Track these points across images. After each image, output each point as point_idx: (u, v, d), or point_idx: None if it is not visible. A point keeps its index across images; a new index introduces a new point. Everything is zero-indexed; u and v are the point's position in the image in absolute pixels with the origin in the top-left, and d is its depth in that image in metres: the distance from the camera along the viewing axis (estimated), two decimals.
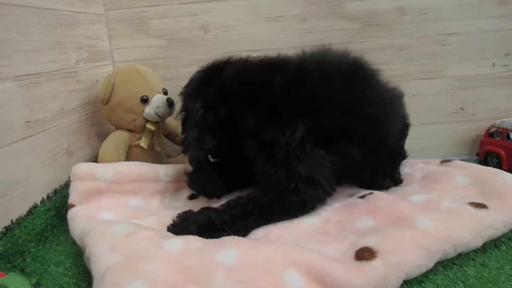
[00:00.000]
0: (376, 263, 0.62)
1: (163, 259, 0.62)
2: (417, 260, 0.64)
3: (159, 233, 0.72)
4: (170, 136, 1.28)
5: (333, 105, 0.85)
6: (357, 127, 0.86)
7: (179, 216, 0.82)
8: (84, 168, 0.92)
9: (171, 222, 0.81)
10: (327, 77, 0.86)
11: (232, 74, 0.92)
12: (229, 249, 0.64)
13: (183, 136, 0.94)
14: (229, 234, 0.75)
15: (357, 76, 0.90)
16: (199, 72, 1.00)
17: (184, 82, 1.47)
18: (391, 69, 1.40)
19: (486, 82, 1.42)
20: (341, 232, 0.76)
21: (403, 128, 1.06)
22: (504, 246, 0.76)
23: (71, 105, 1.10)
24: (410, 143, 1.39)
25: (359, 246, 0.66)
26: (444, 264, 0.70)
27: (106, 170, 0.94)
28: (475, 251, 0.73)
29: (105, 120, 1.21)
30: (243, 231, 0.79)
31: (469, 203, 0.78)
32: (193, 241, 0.69)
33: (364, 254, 0.64)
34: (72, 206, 0.87)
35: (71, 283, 0.72)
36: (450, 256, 0.69)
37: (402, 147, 1.10)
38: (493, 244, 0.76)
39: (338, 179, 0.88)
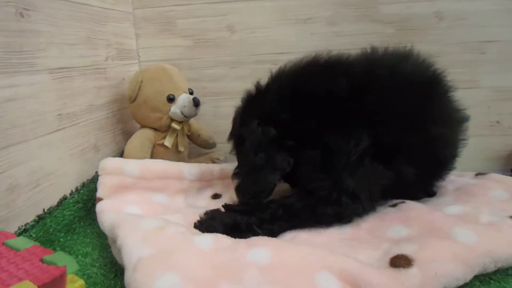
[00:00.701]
0: (413, 271, 0.64)
1: (194, 254, 0.67)
2: (456, 273, 0.65)
3: (189, 230, 0.79)
4: (193, 137, 1.36)
5: (401, 120, 0.84)
6: (420, 147, 0.86)
7: (206, 213, 0.89)
8: (111, 163, 1.01)
9: (198, 219, 0.87)
10: (399, 88, 0.86)
11: (290, 80, 0.93)
12: (259, 248, 0.68)
13: (237, 170, 0.96)
14: (255, 234, 0.78)
15: (431, 92, 0.90)
16: (248, 91, 0.99)
17: (208, 83, 1.59)
18: None
19: None
20: (373, 239, 0.79)
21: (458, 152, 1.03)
22: None
23: (99, 101, 1.20)
24: None
25: (394, 254, 0.68)
26: (480, 279, 0.70)
27: (133, 165, 1.03)
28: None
29: (130, 118, 1.31)
30: (269, 235, 0.82)
31: (510, 216, 0.79)
32: (223, 239, 0.74)
33: (400, 262, 0.65)
34: (100, 199, 0.95)
35: (98, 273, 0.79)
36: (489, 270, 0.70)
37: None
38: None
39: (383, 195, 0.90)
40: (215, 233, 0.78)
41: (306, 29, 1.44)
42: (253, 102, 0.96)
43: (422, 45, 1.37)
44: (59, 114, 1.00)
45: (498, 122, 1.46)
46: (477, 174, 1.09)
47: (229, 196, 1.08)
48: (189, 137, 1.36)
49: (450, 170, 1.04)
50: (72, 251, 0.88)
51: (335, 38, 1.44)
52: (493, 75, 1.42)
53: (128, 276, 0.63)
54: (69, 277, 0.49)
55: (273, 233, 0.83)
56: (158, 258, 0.66)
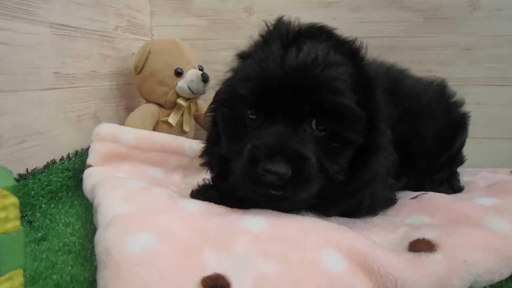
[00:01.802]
0: (436, 257, 0.54)
1: (179, 216, 0.59)
2: (489, 264, 0.55)
3: (178, 193, 0.70)
4: (200, 119, 1.28)
5: None
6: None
7: (204, 180, 0.77)
8: (106, 128, 0.93)
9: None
10: None
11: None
12: (256, 216, 0.60)
13: None
14: (255, 206, 0.66)
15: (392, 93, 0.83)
16: None
17: (221, 66, 1.47)
18: (452, 71, 1.32)
19: None
20: (388, 224, 0.70)
21: (449, 128, 0.96)
22: None
23: (104, 70, 1.13)
24: (468, 157, 1.31)
25: (414, 238, 0.59)
26: None
27: (128, 133, 0.94)
28: None
29: (137, 95, 1.23)
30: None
31: None
32: (215, 206, 0.66)
33: (421, 246, 0.56)
34: (90, 166, 0.87)
35: (76, 243, 0.71)
36: None
37: (456, 150, 1.02)
38: None
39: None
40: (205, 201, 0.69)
41: (328, 14, 1.35)
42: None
43: (454, 36, 1.31)
44: (56, 72, 0.93)
45: None
46: None
47: None
48: (196, 119, 1.28)
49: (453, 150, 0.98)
50: (54, 219, 0.80)
51: (359, 24, 1.35)
52: None
53: (98, 233, 0.56)
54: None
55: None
56: (136, 217, 0.58)
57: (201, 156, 0.77)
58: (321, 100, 0.58)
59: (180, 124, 1.18)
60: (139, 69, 1.15)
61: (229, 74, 0.72)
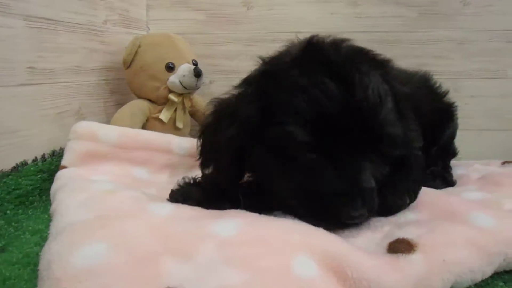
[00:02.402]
0: (415, 257, 0.43)
1: (142, 222, 0.44)
2: (471, 262, 0.44)
3: (148, 196, 0.52)
4: (197, 115, 1.03)
5: None
6: None
7: (184, 178, 0.58)
8: (84, 126, 0.69)
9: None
10: None
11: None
12: (229, 220, 0.45)
13: None
14: (236, 207, 0.51)
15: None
16: None
17: (221, 61, 1.23)
18: (448, 64, 1.12)
19: None
20: (374, 222, 0.55)
21: (436, 117, 0.79)
22: None
23: (90, 64, 0.88)
24: (463, 151, 1.10)
25: (395, 238, 0.47)
26: (504, 279, 0.48)
27: (109, 131, 0.71)
28: None
29: (129, 91, 0.98)
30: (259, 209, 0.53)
31: None
32: (185, 209, 0.50)
33: (399, 246, 0.45)
34: (64, 167, 0.65)
35: (39, 253, 0.49)
36: None
37: (447, 141, 0.84)
38: None
39: None
40: (176, 204, 0.52)
41: (326, 8, 1.12)
42: None
43: (447, 31, 1.11)
44: (31, 67, 0.69)
45: None
46: (504, 162, 0.90)
47: None
48: (192, 115, 1.03)
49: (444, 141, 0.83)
50: (20, 227, 0.58)
51: (357, 19, 1.12)
52: None
53: (45, 246, 0.41)
54: None
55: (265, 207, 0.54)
56: (92, 225, 0.44)
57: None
58: (382, 134, 0.48)
59: (173, 120, 0.94)
60: (128, 64, 0.90)
61: (251, 92, 0.52)
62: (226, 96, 0.56)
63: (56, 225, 0.45)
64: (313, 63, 0.48)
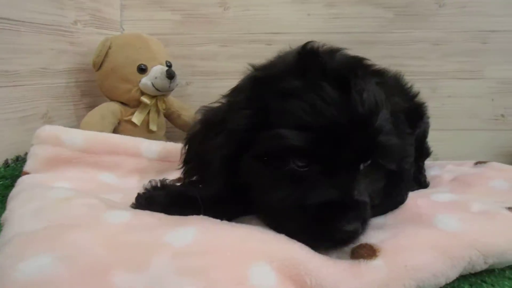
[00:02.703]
0: (376, 263, 0.42)
1: (95, 231, 0.42)
2: (433, 266, 0.43)
3: (106, 203, 0.49)
4: (172, 117, 1.01)
5: None
6: None
7: (151, 181, 0.56)
8: (48, 130, 0.66)
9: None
10: None
11: None
12: (186, 228, 0.42)
13: None
14: (199, 213, 0.48)
15: None
16: None
17: (198, 62, 1.19)
18: (425, 64, 1.13)
19: None
20: None
21: (409, 116, 0.75)
22: None
23: (59, 66, 0.85)
24: (441, 150, 1.11)
25: (358, 243, 0.46)
26: (471, 281, 0.48)
27: (75, 135, 0.68)
28: (510, 268, 0.51)
29: (101, 93, 0.94)
30: (224, 214, 0.51)
31: (506, 207, 0.58)
32: (143, 216, 0.47)
33: (362, 252, 0.44)
34: (26, 173, 0.62)
35: None
36: (478, 268, 0.47)
37: (419, 141, 0.81)
38: None
39: None
40: (135, 210, 0.50)
41: (303, 9, 1.11)
42: None
43: (423, 32, 1.11)
44: None
45: (502, 115, 1.15)
46: (476, 163, 0.88)
47: None
48: (168, 117, 1.01)
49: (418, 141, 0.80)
50: None
51: (333, 20, 1.12)
52: (497, 66, 1.13)
53: None
54: None
55: (229, 214, 0.52)
56: (39, 235, 0.41)
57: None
58: (379, 144, 0.47)
59: (147, 123, 0.91)
60: (98, 65, 0.87)
61: (242, 98, 0.49)
62: (215, 104, 0.54)
63: (4, 236, 0.42)
64: (308, 69, 0.47)
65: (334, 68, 0.46)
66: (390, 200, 0.55)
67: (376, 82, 0.49)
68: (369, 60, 0.54)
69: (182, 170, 0.56)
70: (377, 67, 0.55)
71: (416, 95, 0.81)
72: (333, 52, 0.51)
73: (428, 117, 0.82)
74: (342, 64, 0.48)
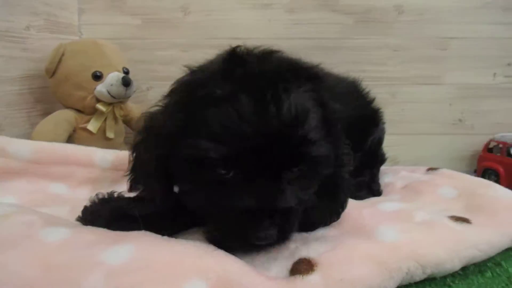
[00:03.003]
0: (313, 278, 0.44)
1: (29, 251, 0.43)
2: (370, 279, 0.46)
3: (47, 219, 0.50)
4: (132, 123, 1.04)
5: None
6: None
7: (97, 194, 0.58)
8: None
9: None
10: None
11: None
12: (123, 245, 0.44)
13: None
14: (140, 228, 0.51)
15: None
16: None
17: (158, 66, 1.22)
18: (385, 70, 1.20)
19: (487, 93, 1.22)
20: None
21: (361, 123, 0.80)
22: (489, 272, 0.56)
23: (11, 73, 0.87)
24: (400, 154, 1.20)
25: (298, 257, 0.49)
26: None
27: (22, 146, 0.70)
28: (453, 275, 0.54)
29: (57, 100, 0.97)
30: (167, 229, 0.53)
31: (449, 216, 0.61)
32: (84, 233, 0.48)
33: (299, 267, 0.46)
34: None
35: None
36: (417, 278, 0.50)
37: (373, 147, 0.86)
38: (477, 269, 0.57)
39: None
40: (77, 226, 0.51)
41: (264, 15, 1.17)
42: None
43: (383, 38, 1.19)
44: None
45: (460, 120, 1.25)
46: (428, 169, 0.91)
47: None
48: (127, 123, 1.04)
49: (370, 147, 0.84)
50: None
51: (294, 26, 1.18)
52: (455, 72, 1.22)
53: None
54: None
55: (172, 229, 0.54)
56: None
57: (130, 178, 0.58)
58: (301, 154, 0.48)
59: (104, 130, 0.94)
60: (51, 72, 0.90)
61: (173, 102, 0.52)
62: (155, 109, 0.55)
63: None
64: (231, 76, 0.48)
65: (258, 76, 0.47)
66: (327, 209, 0.58)
67: (307, 89, 0.50)
68: (306, 63, 0.55)
69: (128, 178, 0.58)
70: (315, 70, 0.56)
71: (372, 101, 0.84)
72: (264, 56, 0.51)
73: (384, 123, 0.85)
74: (270, 72, 0.48)
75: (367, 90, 0.85)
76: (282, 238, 0.49)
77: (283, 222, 0.48)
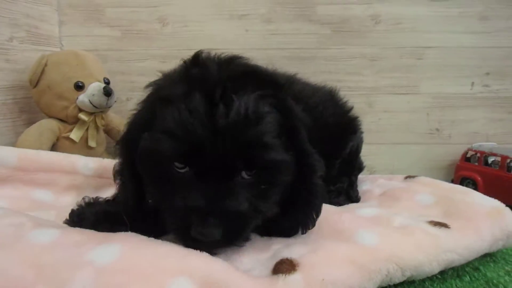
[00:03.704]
0: (294, 277, 0.51)
1: (18, 251, 0.50)
2: (350, 280, 0.52)
3: (36, 221, 0.60)
4: (112, 133, 1.19)
5: None
6: None
7: (84, 198, 0.70)
8: None
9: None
10: None
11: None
12: (110, 245, 0.51)
13: None
14: (127, 230, 0.59)
15: None
16: None
17: (137, 77, 1.36)
18: (361, 80, 1.33)
19: (464, 103, 1.34)
20: (266, 240, 0.65)
21: (339, 132, 0.90)
22: (468, 276, 0.64)
23: None
24: (377, 163, 1.32)
25: (280, 258, 0.56)
26: None
27: (8, 153, 0.83)
28: (431, 279, 0.62)
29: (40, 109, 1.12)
30: (153, 232, 0.63)
31: (427, 221, 0.68)
32: (71, 234, 0.55)
33: (282, 267, 0.53)
34: None
35: None
36: (397, 280, 0.57)
37: (351, 155, 0.95)
38: (455, 273, 0.65)
39: None
40: (65, 228, 0.60)
41: (241, 25, 1.32)
42: None
43: (360, 48, 1.33)
44: None
45: (437, 130, 1.37)
46: (406, 177, 1.00)
47: None
48: (108, 132, 1.18)
49: (347, 155, 0.92)
50: None
51: (271, 36, 1.32)
52: (431, 81, 1.34)
53: None
54: None
55: (157, 231, 0.62)
56: None
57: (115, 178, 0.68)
58: (252, 157, 0.54)
59: (86, 139, 1.09)
60: (34, 83, 1.04)
61: (142, 104, 0.62)
62: (133, 112, 0.65)
63: None
64: (188, 77, 0.56)
65: (213, 78, 0.54)
66: (302, 217, 0.64)
67: (265, 94, 0.56)
68: (267, 70, 0.64)
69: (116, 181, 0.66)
70: (277, 78, 0.64)
71: (349, 109, 0.93)
72: (226, 62, 0.58)
73: (361, 132, 0.96)
74: (225, 74, 0.55)
75: (344, 99, 0.95)
76: (228, 241, 0.56)
77: (231, 226, 0.54)
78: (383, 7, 1.31)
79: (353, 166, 0.96)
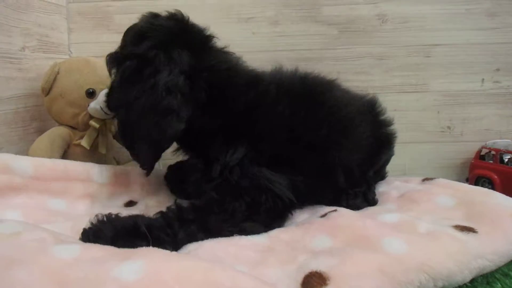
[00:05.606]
0: None
1: (43, 267, 0.50)
2: None
3: (56, 237, 0.60)
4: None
5: (277, 132, 0.82)
6: (299, 155, 0.82)
7: (97, 215, 0.70)
8: None
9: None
10: (278, 102, 0.83)
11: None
12: (134, 262, 0.51)
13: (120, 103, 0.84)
14: (149, 244, 0.60)
15: (303, 99, 0.86)
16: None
17: None
18: (370, 79, 1.34)
19: (475, 99, 1.34)
20: (289, 251, 0.65)
21: (373, 147, 0.95)
22: (499, 284, 0.61)
23: (7, 93, 1.02)
24: (389, 163, 1.33)
25: (308, 270, 0.55)
26: None
27: (25, 162, 0.84)
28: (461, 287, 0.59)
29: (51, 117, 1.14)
30: (172, 243, 0.66)
31: (453, 226, 0.67)
32: (93, 249, 0.56)
33: (312, 281, 0.52)
34: None
35: None
36: None
37: (378, 167, 1.01)
38: (485, 280, 0.62)
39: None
40: (86, 244, 0.60)
41: (248, 28, 1.33)
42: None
43: (367, 47, 1.34)
44: None
45: (449, 127, 1.36)
46: (424, 179, 1.00)
47: (145, 204, 0.92)
48: (116, 138, 1.20)
49: (373, 167, 0.99)
50: None
51: (278, 38, 1.33)
52: (441, 78, 1.34)
53: None
54: None
55: (178, 240, 0.67)
56: None
57: None
58: None
59: (96, 146, 1.09)
60: (47, 91, 1.05)
61: None
62: None
63: None
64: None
65: None
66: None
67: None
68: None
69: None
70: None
71: (389, 124, 1.00)
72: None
73: (393, 146, 1.02)
74: None
75: (384, 112, 1.00)
76: None
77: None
78: (390, 6, 1.31)
79: (379, 175, 1.02)
